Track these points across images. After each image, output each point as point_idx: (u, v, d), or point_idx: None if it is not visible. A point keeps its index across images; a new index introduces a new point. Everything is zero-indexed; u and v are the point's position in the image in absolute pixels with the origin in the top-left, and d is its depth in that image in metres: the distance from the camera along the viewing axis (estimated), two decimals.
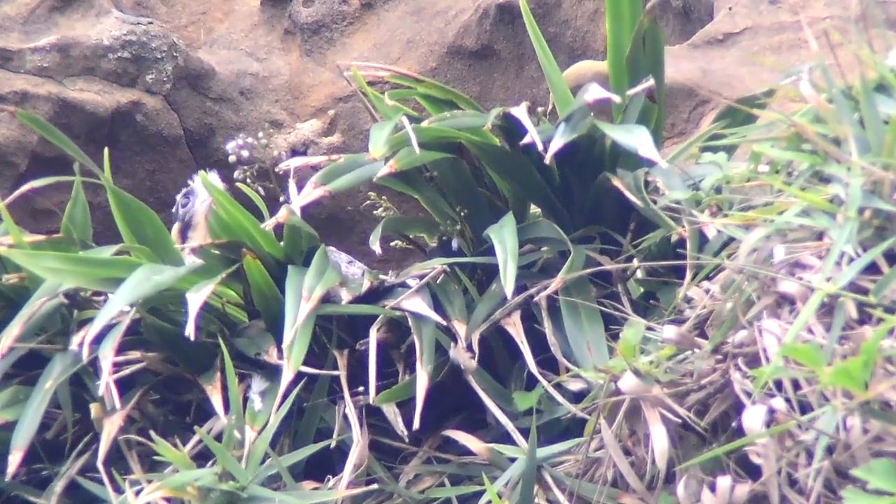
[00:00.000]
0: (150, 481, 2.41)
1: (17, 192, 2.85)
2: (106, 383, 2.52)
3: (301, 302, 2.53)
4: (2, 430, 2.65)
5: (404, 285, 2.70)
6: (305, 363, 2.51)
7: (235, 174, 2.87)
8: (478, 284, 2.75)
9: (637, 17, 2.76)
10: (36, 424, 2.61)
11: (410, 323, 2.58)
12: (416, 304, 2.60)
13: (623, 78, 2.76)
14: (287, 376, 2.46)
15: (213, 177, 2.92)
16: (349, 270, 2.92)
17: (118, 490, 2.50)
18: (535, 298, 2.58)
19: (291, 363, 2.47)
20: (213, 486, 2.37)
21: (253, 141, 2.84)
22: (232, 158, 2.86)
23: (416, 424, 2.45)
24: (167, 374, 2.73)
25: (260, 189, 2.89)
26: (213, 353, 2.69)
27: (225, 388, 2.60)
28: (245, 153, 2.84)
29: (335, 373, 2.62)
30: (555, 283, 2.53)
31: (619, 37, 2.79)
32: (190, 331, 2.50)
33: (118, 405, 2.58)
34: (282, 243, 2.73)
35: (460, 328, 2.59)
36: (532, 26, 2.99)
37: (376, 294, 2.70)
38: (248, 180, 2.87)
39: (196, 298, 2.54)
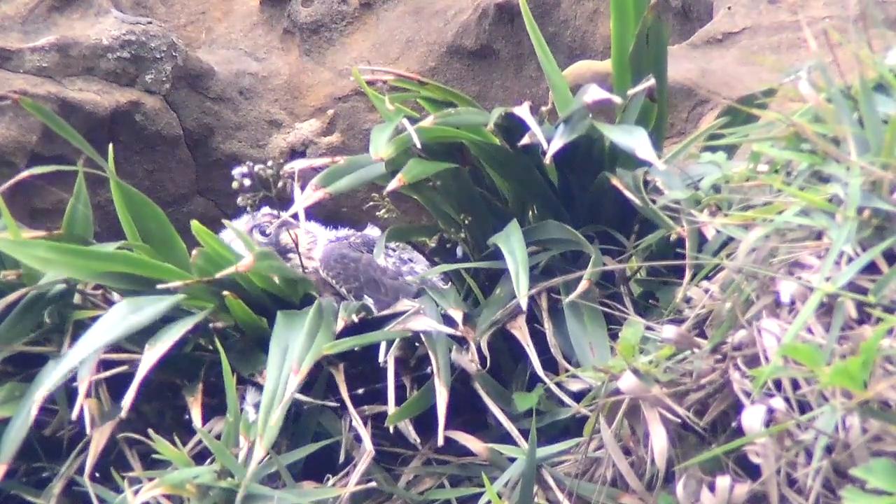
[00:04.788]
0: (150, 479, 2.41)
1: (14, 179, 2.84)
2: (80, 406, 2.52)
3: (290, 375, 2.49)
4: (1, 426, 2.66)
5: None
6: None
7: (238, 201, 2.87)
8: (481, 287, 2.75)
9: (641, 15, 2.76)
10: (22, 436, 2.60)
11: (424, 341, 2.58)
12: (424, 322, 2.60)
13: (626, 76, 2.76)
14: (258, 453, 2.40)
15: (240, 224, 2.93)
16: (398, 279, 2.88)
17: (118, 490, 2.51)
18: (566, 300, 2.56)
19: (265, 440, 2.41)
20: (211, 484, 2.37)
21: (259, 170, 2.84)
22: (235, 185, 2.86)
23: (440, 441, 2.44)
24: (158, 379, 2.72)
25: (264, 234, 2.90)
26: (200, 364, 2.70)
27: (210, 392, 2.61)
28: (248, 182, 2.84)
29: (331, 405, 2.61)
30: (583, 284, 2.52)
31: (623, 35, 2.79)
32: (127, 402, 2.49)
33: (88, 431, 2.58)
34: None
35: (456, 315, 2.58)
36: (532, 26, 2.98)
37: (378, 319, 2.70)
38: (249, 208, 2.88)
39: (151, 356, 2.53)
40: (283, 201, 2.82)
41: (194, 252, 2.67)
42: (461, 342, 2.60)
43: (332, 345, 2.55)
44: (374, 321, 2.67)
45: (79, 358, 2.57)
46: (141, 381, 2.52)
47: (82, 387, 2.53)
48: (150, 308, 2.62)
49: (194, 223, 2.69)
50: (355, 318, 2.65)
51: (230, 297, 2.63)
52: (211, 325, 2.73)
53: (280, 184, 2.83)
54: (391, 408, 2.51)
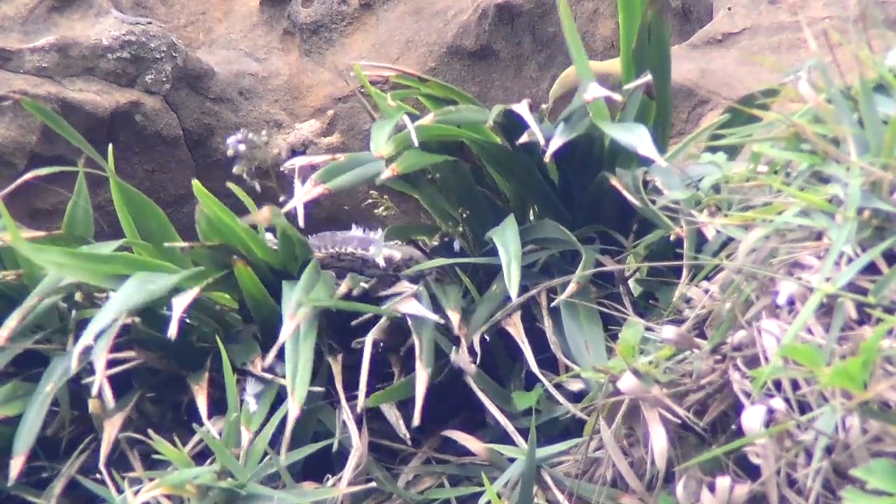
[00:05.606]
0: (151, 479, 2.41)
1: (17, 182, 2.85)
2: (100, 384, 2.51)
3: (286, 320, 2.52)
4: (1, 425, 2.66)
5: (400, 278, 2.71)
6: None
7: (234, 169, 2.86)
8: (479, 285, 2.75)
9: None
10: (37, 428, 2.61)
11: (410, 324, 2.58)
12: (413, 306, 2.60)
13: (629, 75, 2.76)
14: (293, 411, 2.42)
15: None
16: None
17: (119, 490, 2.51)
18: (555, 302, 2.56)
19: (296, 396, 2.43)
20: (211, 484, 2.37)
21: (254, 137, 2.83)
22: (230, 152, 2.85)
23: (416, 420, 2.44)
24: (165, 373, 2.73)
25: (257, 186, 2.87)
26: (206, 354, 2.70)
27: (212, 387, 2.61)
28: (242, 147, 2.82)
29: (318, 389, 2.61)
30: (571, 286, 2.52)
31: (631, 34, 2.79)
32: (172, 332, 2.48)
33: (111, 404, 2.58)
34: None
35: (454, 317, 2.58)
36: (567, 16, 2.96)
37: (373, 299, 2.70)
38: (246, 176, 2.86)
39: (181, 301, 2.54)
40: (277, 168, 2.81)
41: (197, 208, 2.66)
42: (458, 342, 2.60)
43: (314, 300, 2.55)
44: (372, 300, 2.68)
45: (107, 320, 2.56)
46: (144, 373, 2.52)
47: (99, 365, 2.52)
48: (163, 279, 2.63)
49: (196, 184, 2.69)
50: (365, 285, 2.65)
51: (240, 264, 2.62)
52: (217, 307, 2.73)
53: (275, 151, 2.82)
54: (362, 390, 2.50)
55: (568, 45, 2.90)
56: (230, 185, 2.88)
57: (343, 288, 2.65)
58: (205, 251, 2.66)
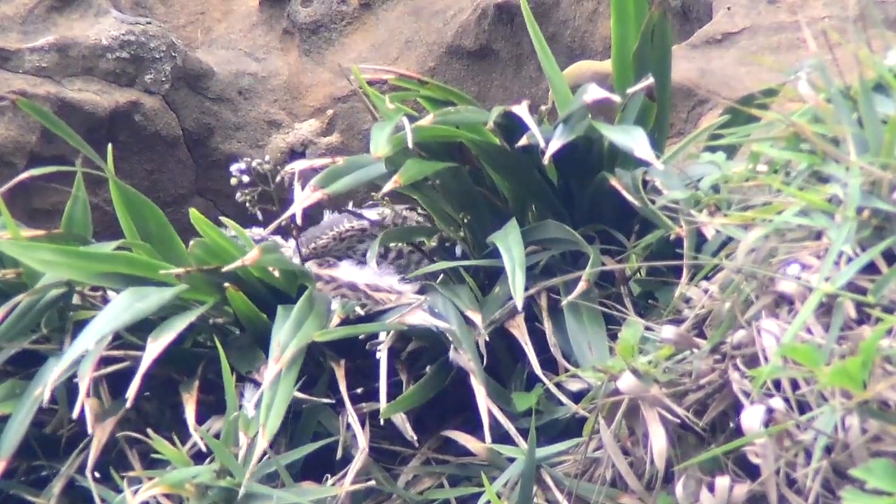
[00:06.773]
0: (150, 478, 2.41)
1: (14, 181, 2.85)
2: (82, 401, 2.52)
3: (270, 363, 2.50)
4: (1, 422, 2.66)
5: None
6: (301, 373, 2.51)
7: (237, 197, 2.87)
8: (480, 286, 2.75)
9: (642, 14, 2.75)
10: (22, 433, 2.60)
11: (452, 341, 2.57)
12: (420, 317, 2.60)
13: (628, 75, 2.76)
14: (261, 444, 2.40)
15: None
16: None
17: (117, 490, 2.51)
18: (564, 302, 2.56)
19: (267, 433, 2.42)
20: (210, 483, 2.37)
21: (257, 165, 2.84)
22: (234, 181, 2.86)
23: (487, 439, 2.44)
24: (159, 375, 2.72)
25: (259, 214, 2.88)
26: (200, 360, 2.70)
27: (210, 390, 2.61)
28: (246, 178, 2.84)
29: (328, 401, 2.61)
30: (581, 284, 2.52)
31: (624, 35, 2.78)
32: (131, 394, 2.48)
33: (90, 430, 2.58)
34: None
35: (476, 317, 2.57)
36: (532, 25, 2.98)
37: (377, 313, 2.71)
38: (249, 204, 2.87)
39: (154, 348, 2.53)
40: (282, 197, 2.82)
41: (192, 242, 2.66)
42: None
43: (323, 332, 2.55)
44: (373, 314, 2.67)
45: (85, 346, 2.56)
46: (143, 376, 2.52)
47: (83, 383, 2.52)
48: (154, 296, 2.62)
49: (193, 212, 2.69)
50: (361, 312, 2.65)
51: (231, 289, 2.62)
52: (211, 320, 2.73)
53: (278, 178, 2.83)
54: (383, 401, 2.50)
55: (539, 58, 2.92)
56: (224, 219, 2.89)
57: (336, 319, 2.64)
58: (200, 276, 2.66)
